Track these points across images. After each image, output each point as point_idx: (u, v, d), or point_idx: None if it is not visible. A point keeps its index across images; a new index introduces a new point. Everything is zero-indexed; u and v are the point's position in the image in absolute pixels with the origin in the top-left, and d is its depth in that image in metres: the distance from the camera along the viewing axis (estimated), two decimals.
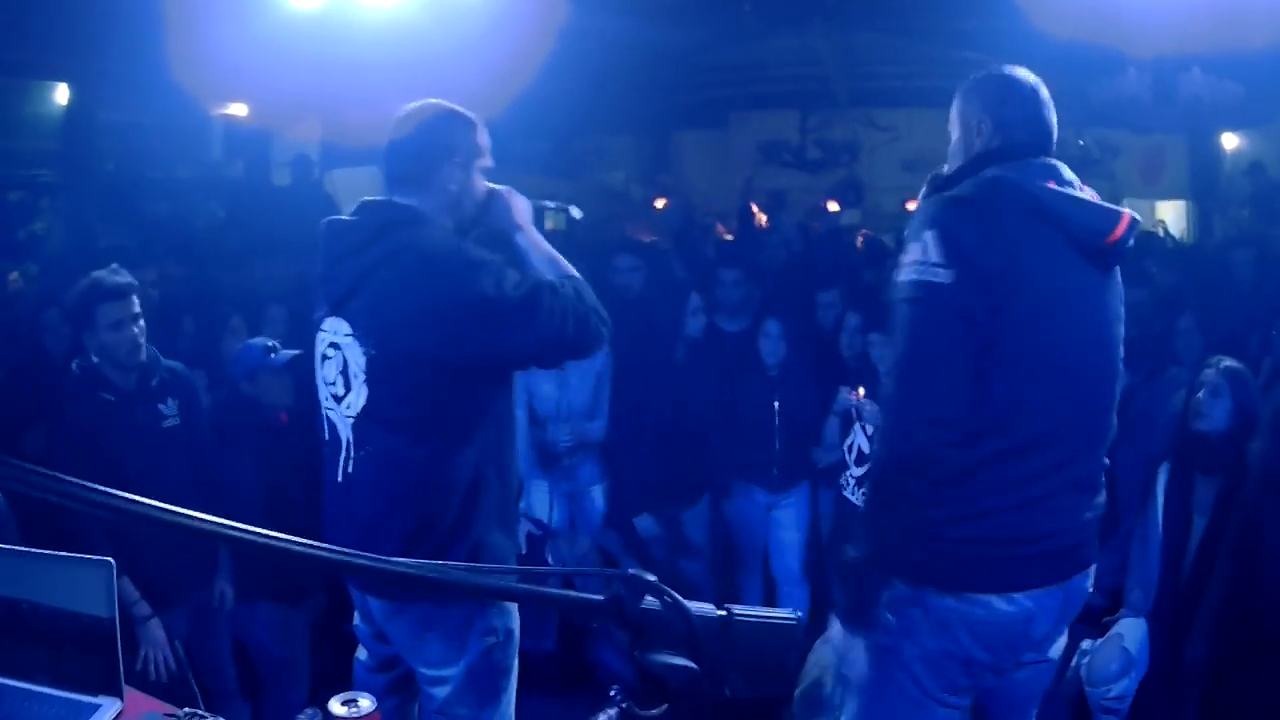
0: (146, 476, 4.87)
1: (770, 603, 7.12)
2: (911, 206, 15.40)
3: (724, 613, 1.88)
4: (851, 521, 6.33)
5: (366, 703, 2.69)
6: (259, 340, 5.83)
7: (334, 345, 3.81)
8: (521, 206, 4.00)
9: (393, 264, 3.68)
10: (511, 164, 4.27)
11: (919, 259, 3.34)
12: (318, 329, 3.91)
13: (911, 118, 17.89)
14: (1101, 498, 3.66)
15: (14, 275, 10.55)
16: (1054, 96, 3.70)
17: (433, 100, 3.89)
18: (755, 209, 14.79)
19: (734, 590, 7.26)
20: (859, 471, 6.43)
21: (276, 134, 14.19)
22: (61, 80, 13.04)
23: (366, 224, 3.77)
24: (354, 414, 3.78)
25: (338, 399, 3.83)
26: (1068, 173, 3.57)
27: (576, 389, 6.90)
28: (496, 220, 3.98)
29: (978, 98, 3.66)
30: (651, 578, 1.66)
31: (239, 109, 13.65)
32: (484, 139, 3.92)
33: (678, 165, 19.28)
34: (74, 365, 5.28)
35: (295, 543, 1.75)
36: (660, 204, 15.62)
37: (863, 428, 6.40)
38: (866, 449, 6.34)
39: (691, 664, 1.68)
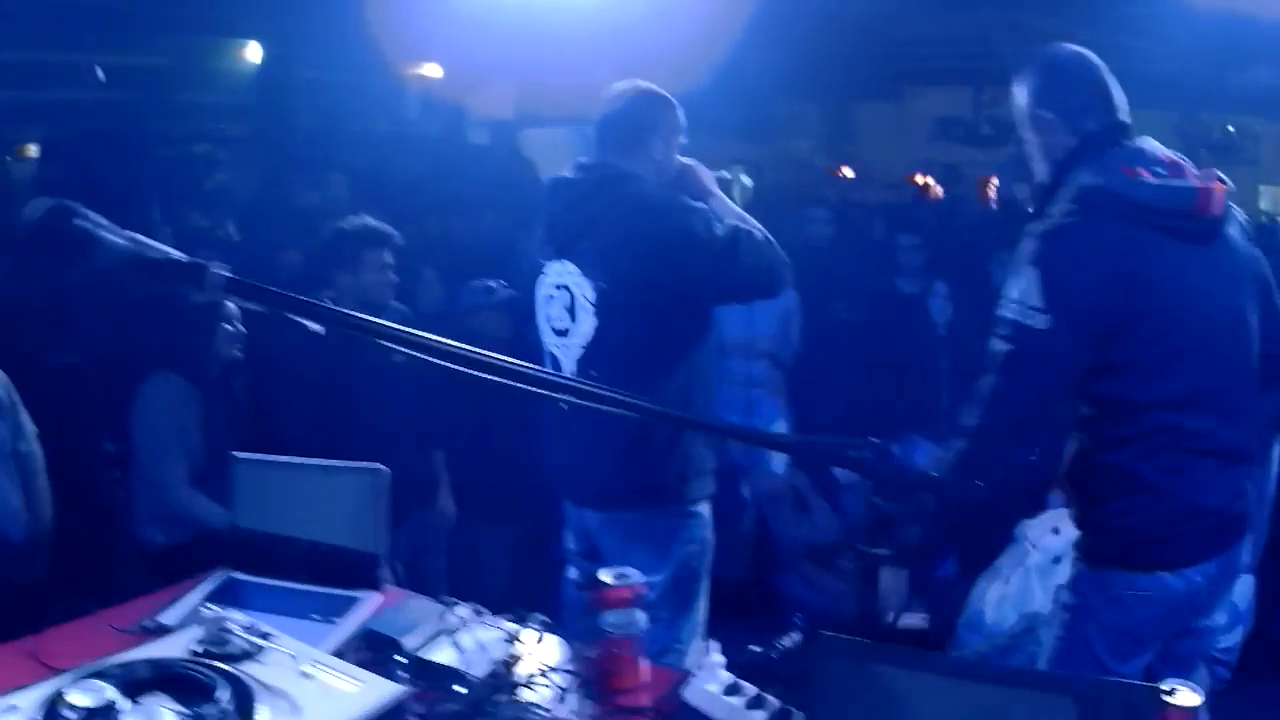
0: (379, 407, 5.28)
1: None
2: None
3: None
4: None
5: (635, 575, 3.10)
6: (480, 281, 6.50)
7: (559, 286, 4.43)
8: (707, 176, 4.57)
9: (617, 210, 4.30)
10: (707, 129, 4.63)
11: (1018, 299, 3.45)
12: (539, 274, 4.52)
13: None
14: (1255, 464, 3.74)
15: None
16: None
17: (640, 81, 4.53)
18: (931, 180, 14.91)
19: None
20: None
21: (470, 94, 14.49)
22: (256, 38, 13.47)
23: (589, 180, 4.43)
24: (582, 343, 4.34)
25: (562, 333, 4.40)
26: (1153, 146, 3.59)
27: (763, 324, 7.20)
28: (689, 187, 4.49)
29: (1037, 92, 3.73)
30: (878, 442, 1.95)
31: (433, 69, 13.95)
32: (681, 118, 4.51)
33: (856, 135, 19.37)
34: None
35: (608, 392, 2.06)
36: (844, 172, 15.84)
37: None
38: None
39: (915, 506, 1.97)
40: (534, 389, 1.93)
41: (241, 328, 5.69)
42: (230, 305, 5.64)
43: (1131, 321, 3.43)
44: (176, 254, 1.80)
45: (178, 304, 5.57)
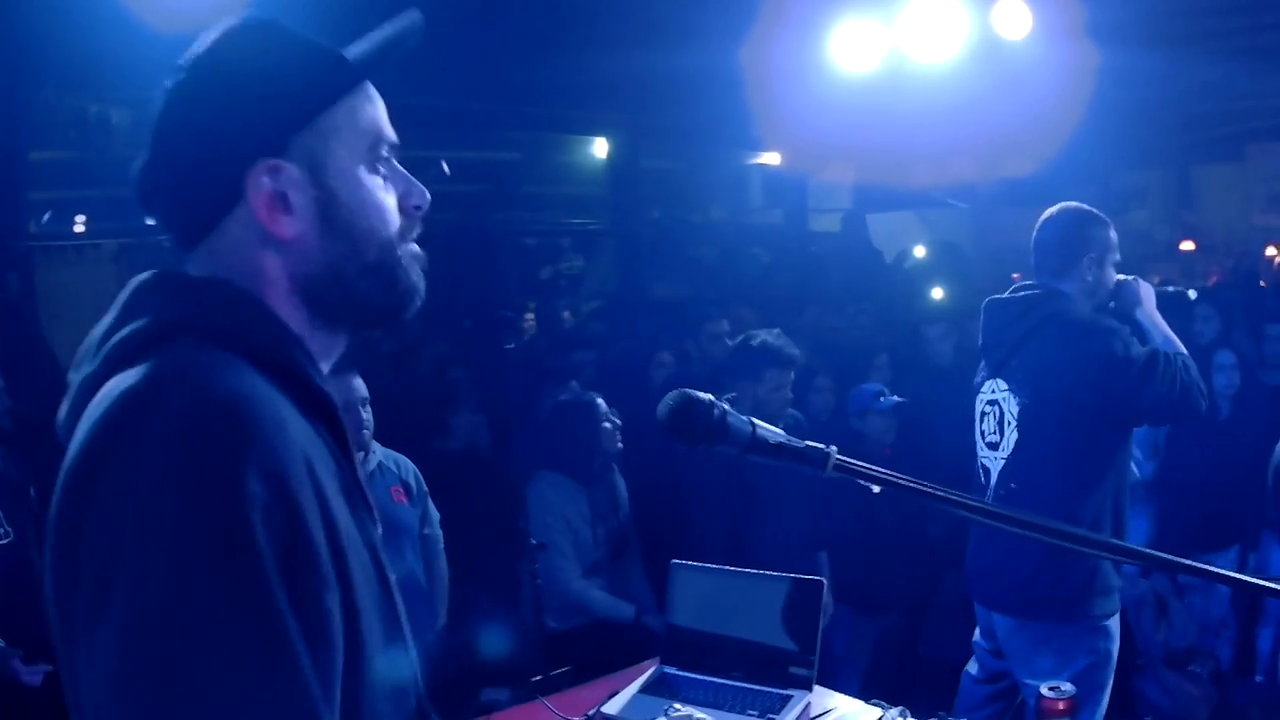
0: (777, 511, 5.59)
1: None
2: None
3: None
4: None
5: (1067, 687, 3.20)
6: (871, 385, 6.73)
7: (991, 402, 4.64)
8: (1145, 292, 4.63)
9: (1044, 330, 4.45)
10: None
11: None
12: (977, 392, 4.77)
13: None
14: None
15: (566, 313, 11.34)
16: None
17: (1073, 203, 4.66)
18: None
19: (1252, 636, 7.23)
20: None
21: (810, 179, 14.68)
22: (605, 134, 13.90)
23: (1021, 301, 4.59)
24: (1005, 455, 4.54)
25: (993, 446, 4.62)
26: None
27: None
28: (1124, 303, 4.61)
29: None
30: None
31: (772, 157, 14.23)
32: (1114, 236, 4.61)
33: (1197, 204, 18.74)
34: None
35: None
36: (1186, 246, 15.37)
37: None
38: None
39: None
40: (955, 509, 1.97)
41: (619, 420, 6.02)
42: (602, 403, 5.91)
43: None
44: (796, 440, 1.94)
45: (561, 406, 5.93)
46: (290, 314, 1.64)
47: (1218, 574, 2.32)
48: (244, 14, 1.66)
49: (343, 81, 1.67)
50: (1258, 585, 2.13)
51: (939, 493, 1.95)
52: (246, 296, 1.60)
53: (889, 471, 1.94)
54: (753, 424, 1.92)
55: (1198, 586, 7.23)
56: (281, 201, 1.60)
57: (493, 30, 8.54)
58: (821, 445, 1.92)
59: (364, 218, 1.66)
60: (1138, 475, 7.21)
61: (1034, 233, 4.69)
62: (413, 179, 1.74)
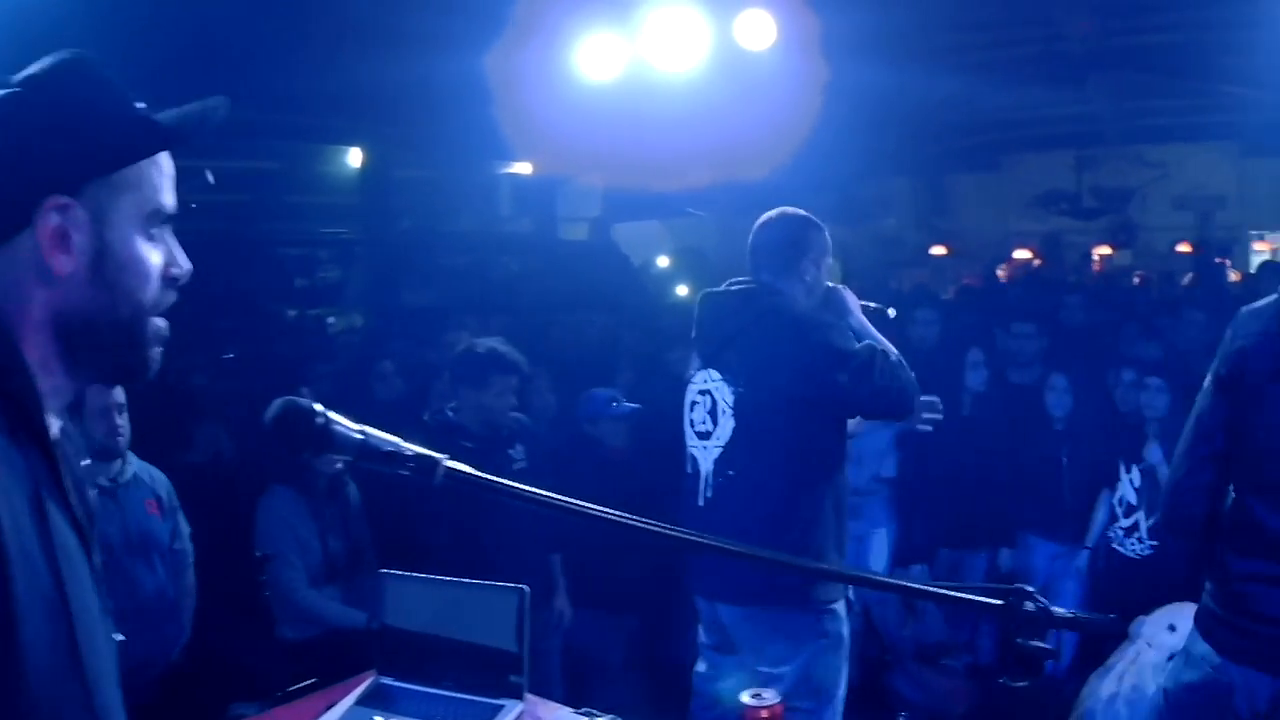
0: (502, 517, 5.42)
1: None
2: (1181, 249, 15.25)
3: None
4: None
5: (770, 694, 3.17)
6: (604, 390, 6.75)
7: (703, 392, 4.66)
8: (852, 299, 4.76)
9: (763, 323, 4.50)
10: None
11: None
12: (688, 383, 4.78)
13: (1179, 154, 17.73)
14: None
15: (332, 320, 11.23)
16: None
17: (791, 208, 4.75)
18: (1032, 254, 14.80)
19: None
20: (1127, 523, 6.65)
21: (559, 188, 14.74)
22: (359, 144, 13.77)
23: (739, 295, 4.67)
24: (720, 444, 4.57)
25: (703, 435, 4.64)
26: None
27: (867, 433, 7.18)
28: (835, 309, 4.71)
29: None
30: (1030, 589, 1.99)
31: (523, 166, 14.18)
32: (829, 240, 4.75)
33: (951, 210, 19.28)
34: (425, 417, 6.00)
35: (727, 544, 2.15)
36: (937, 251, 15.76)
37: (1130, 480, 6.60)
38: (1134, 500, 6.59)
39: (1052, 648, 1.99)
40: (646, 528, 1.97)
41: None
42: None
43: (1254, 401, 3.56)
44: (407, 447, 1.93)
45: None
46: (38, 343, 1.66)
47: (918, 590, 2.35)
48: (77, 51, 1.71)
49: (149, 145, 1.73)
50: (960, 599, 2.14)
51: (565, 504, 1.96)
52: None
53: (505, 482, 1.95)
54: (364, 432, 1.91)
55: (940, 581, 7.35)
56: (63, 239, 1.64)
57: (249, 37, 8.39)
58: (434, 453, 1.90)
59: (130, 276, 1.71)
60: (882, 474, 7.40)
61: (751, 236, 4.75)
62: (178, 250, 1.79)
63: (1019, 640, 2.03)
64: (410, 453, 1.90)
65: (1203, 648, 3.72)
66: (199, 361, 8.69)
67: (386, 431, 1.93)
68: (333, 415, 1.90)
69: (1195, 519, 3.80)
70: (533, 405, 7.19)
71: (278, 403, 1.89)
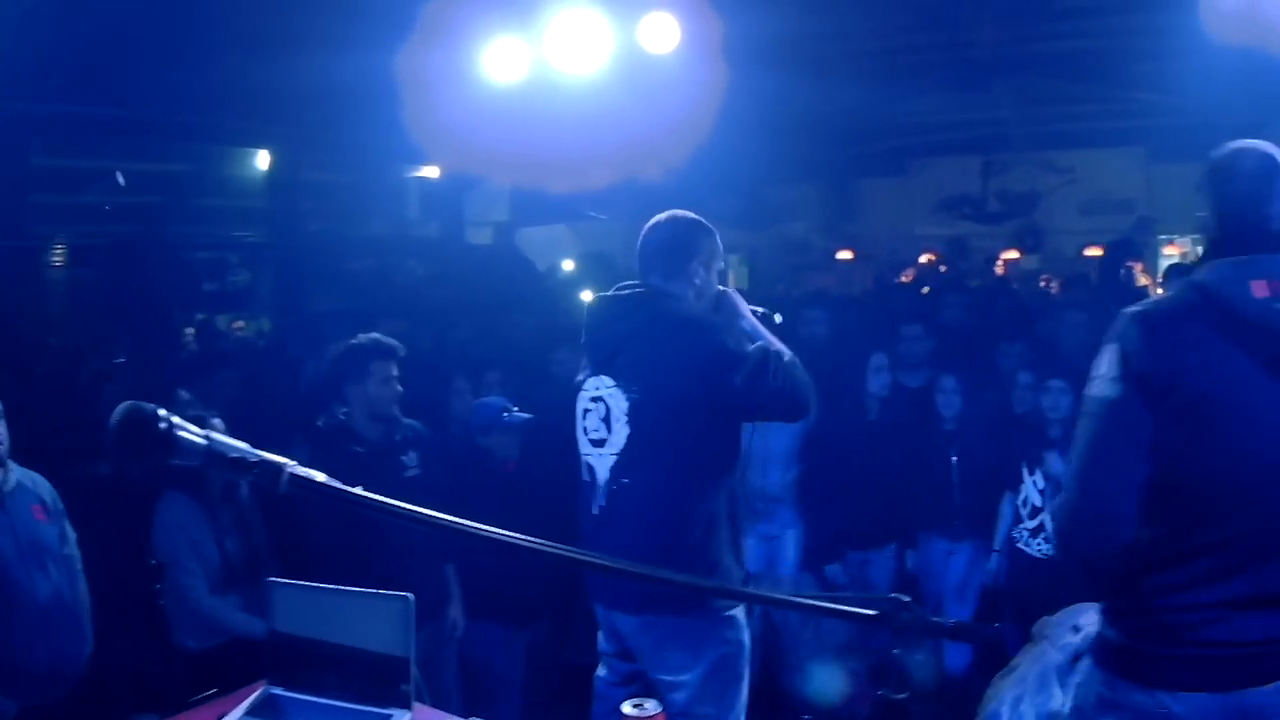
0: (393, 527, 5.40)
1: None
2: (1090, 252, 15.38)
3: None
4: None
5: (651, 705, 3.18)
6: (496, 400, 6.67)
7: (596, 399, 4.60)
8: (742, 303, 4.73)
9: (655, 327, 4.47)
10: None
11: (1098, 373, 3.39)
12: (579, 390, 4.70)
13: (1088, 159, 17.89)
14: None
15: (239, 323, 11.15)
16: (1229, 138, 3.56)
17: (680, 211, 4.70)
18: (935, 258, 14.88)
19: None
20: (1032, 524, 6.75)
21: (467, 192, 14.73)
22: (267, 146, 13.71)
23: (629, 299, 4.61)
24: (614, 451, 4.51)
25: (598, 443, 4.58)
26: None
27: (776, 437, 7.19)
28: (727, 312, 4.68)
29: (1206, 180, 3.54)
30: (906, 599, 1.99)
31: (431, 170, 14.18)
32: (719, 244, 4.70)
33: (859, 214, 19.38)
34: (319, 423, 5.96)
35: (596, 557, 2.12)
36: (843, 255, 15.84)
37: (1034, 482, 6.68)
38: (1039, 502, 6.67)
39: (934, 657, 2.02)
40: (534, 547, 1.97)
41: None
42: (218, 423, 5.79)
43: (1183, 417, 3.29)
44: (254, 453, 1.94)
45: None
46: None
47: (793, 601, 2.35)
48: None
49: None
50: (836, 610, 2.15)
51: (415, 515, 1.96)
52: None
53: (353, 490, 1.93)
54: (209, 438, 1.91)
55: (851, 582, 7.46)
56: None
57: (158, 37, 8.33)
58: (278, 459, 1.88)
59: None
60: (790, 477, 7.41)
61: (640, 239, 4.71)
62: None
63: (895, 651, 2.04)
64: (255, 458, 1.89)
65: (1123, 689, 3.47)
66: (109, 369, 8.60)
67: (282, 440, 1.90)
68: (177, 420, 1.88)
69: (1114, 554, 3.43)
70: (454, 407, 7.24)
71: (121, 407, 1.87)
